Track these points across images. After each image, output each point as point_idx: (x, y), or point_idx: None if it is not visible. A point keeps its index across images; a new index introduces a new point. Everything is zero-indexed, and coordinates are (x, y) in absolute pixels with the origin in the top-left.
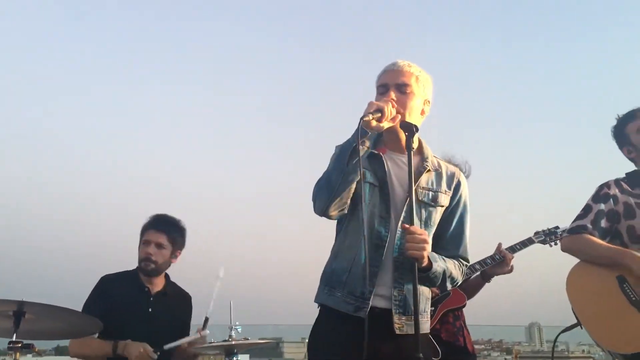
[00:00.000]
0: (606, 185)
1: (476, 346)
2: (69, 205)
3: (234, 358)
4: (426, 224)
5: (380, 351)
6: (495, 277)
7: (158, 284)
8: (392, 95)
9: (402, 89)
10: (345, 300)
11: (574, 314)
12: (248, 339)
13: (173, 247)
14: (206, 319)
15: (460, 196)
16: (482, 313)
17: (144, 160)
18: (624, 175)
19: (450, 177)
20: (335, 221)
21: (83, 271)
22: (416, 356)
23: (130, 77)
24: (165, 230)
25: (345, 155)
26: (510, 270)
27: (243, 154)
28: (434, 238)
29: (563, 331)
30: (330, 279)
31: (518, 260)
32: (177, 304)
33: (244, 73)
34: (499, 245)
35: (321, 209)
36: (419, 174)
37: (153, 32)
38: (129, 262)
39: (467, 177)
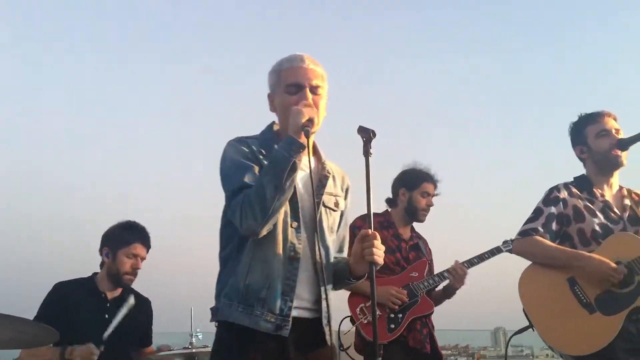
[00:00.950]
0: (556, 188)
1: (443, 352)
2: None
3: None
4: (331, 229)
5: None
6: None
7: (116, 290)
8: (310, 97)
9: (316, 91)
10: (265, 319)
11: (526, 315)
12: (208, 347)
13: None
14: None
15: (348, 199)
16: (449, 318)
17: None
18: (573, 179)
19: (342, 180)
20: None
21: (34, 279)
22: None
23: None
24: (149, 244)
25: (283, 170)
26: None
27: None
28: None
29: (515, 333)
30: (246, 295)
31: (486, 266)
32: (135, 310)
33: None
34: (455, 262)
35: (253, 229)
36: (325, 180)
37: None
38: (81, 270)
39: (435, 182)
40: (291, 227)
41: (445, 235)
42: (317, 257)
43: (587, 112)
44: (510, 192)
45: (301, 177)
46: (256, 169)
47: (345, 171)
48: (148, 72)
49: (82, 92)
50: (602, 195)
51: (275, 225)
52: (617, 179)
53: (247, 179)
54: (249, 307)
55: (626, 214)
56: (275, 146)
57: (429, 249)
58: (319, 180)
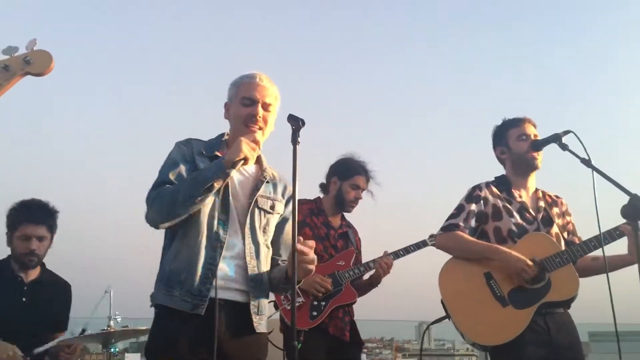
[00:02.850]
0: (478, 187)
1: (368, 344)
2: None
3: (112, 349)
4: (264, 230)
5: (233, 347)
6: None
7: (33, 273)
8: (260, 112)
9: (267, 108)
10: (183, 299)
11: (444, 306)
12: (127, 327)
13: (52, 235)
14: (83, 330)
15: (290, 204)
16: (376, 310)
17: None
18: (494, 179)
19: (283, 186)
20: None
21: None
22: (291, 344)
23: None
24: (44, 221)
25: (201, 187)
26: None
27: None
28: (271, 243)
29: (432, 323)
30: (169, 279)
31: (415, 260)
32: (54, 293)
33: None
34: (384, 252)
35: (155, 222)
36: (260, 184)
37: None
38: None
39: (369, 176)
40: (218, 219)
41: (377, 226)
42: (247, 250)
43: (510, 117)
44: (443, 188)
45: (240, 180)
46: (184, 169)
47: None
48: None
49: None
50: (520, 197)
51: (200, 217)
52: (533, 181)
53: (172, 175)
54: (170, 289)
55: (540, 215)
56: (219, 153)
57: (359, 238)
58: (255, 184)
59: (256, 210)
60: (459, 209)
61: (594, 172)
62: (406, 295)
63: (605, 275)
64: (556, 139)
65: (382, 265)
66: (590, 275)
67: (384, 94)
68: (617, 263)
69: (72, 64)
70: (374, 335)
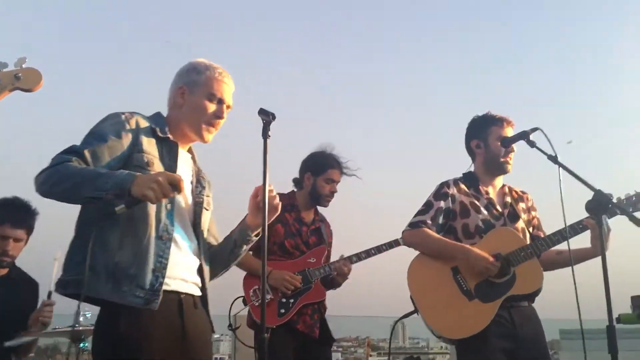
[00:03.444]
0: (446, 184)
1: (344, 343)
2: None
3: (81, 345)
4: (204, 225)
5: (191, 339)
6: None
7: (1, 270)
8: (225, 113)
9: (227, 110)
10: (134, 294)
11: (412, 301)
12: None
13: (28, 237)
14: (49, 293)
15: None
16: (349, 308)
17: None
18: (461, 175)
19: (209, 182)
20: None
21: None
22: (261, 337)
23: None
24: (24, 224)
25: (95, 191)
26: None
27: None
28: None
29: (401, 318)
30: (115, 272)
31: (388, 257)
32: (22, 290)
33: None
34: (340, 256)
35: (40, 192)
36: (203, 181)
37: None
38: None
39: (342, 169)
40: (165, 208)
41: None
42: (194, 242)
43: (494, 113)
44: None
45: (184, 169)
46: (106, 148)
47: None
48: None
49: None
50: (487, 193)
51: (146, 206)
52: (501, 179)
53: (87, 153)
54: (117, 284)
55: (507, 211)
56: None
57: (330, 230)
58: (197, 180)
59: (198, 206)
60: (427, 205)
61: (560, 168)
62: (382, 294)
63: (577, 269)
64: (524, 136)
65: (341, 269)
66: (556, 269)
67: (362, 88)
68: (581, 256)
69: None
70: (350, 334)
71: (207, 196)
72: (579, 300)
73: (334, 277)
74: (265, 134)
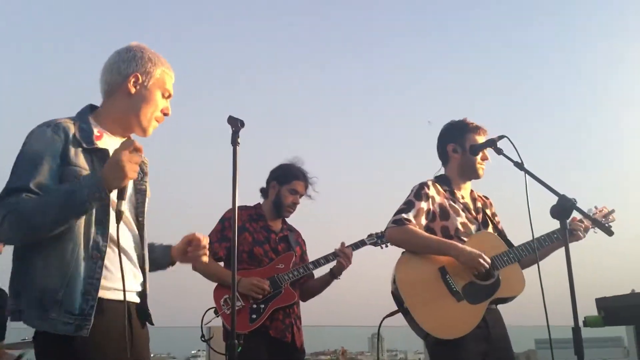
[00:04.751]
0: (425, 185)
1: (322, 357)
2: None
3: None
4: (145, 214)
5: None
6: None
7: None
8: (168, 110)
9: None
10: (63, 321)
11: (399, 299)
12: None
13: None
14: None
15: None
16: (327, 320)
17: None
18: (435, 178)
19: (147, 164)
20: None
21: None
22: (231, 343)
23: None
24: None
25: (74, 213)
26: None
27: None
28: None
29: (386, 317)
30: (42, 299)
31: (367, 270)
32: None
33: None
34: (342, 243)
35: (11, 241)
36: (145, 167)
37: None
38: None
39: (307, 182)
40: (98, 224)
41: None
42: (139, 252)
43: (472, 121)
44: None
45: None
46: (47, 170)
47: None
48: None
49: None
50: (462, 197)
51: (74, 222)
52: (469, 183)
53: (34, 183)
54: (44, 311)
55: (480, 216)
56: (98, 137)
57: (302, 239)
58: (140, 169)
59: (141, 194)
60: (409, 204)
61: (526, 174)
62: (358, 305)
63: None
64: (491, 143)
65: (345, 253)
66: (524, 268)
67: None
68: (549, 249)
69: None
70: (328, 347)
71: (147, 182)
72: (548, 309)
73: (337, 266)
74: (234, 142)
